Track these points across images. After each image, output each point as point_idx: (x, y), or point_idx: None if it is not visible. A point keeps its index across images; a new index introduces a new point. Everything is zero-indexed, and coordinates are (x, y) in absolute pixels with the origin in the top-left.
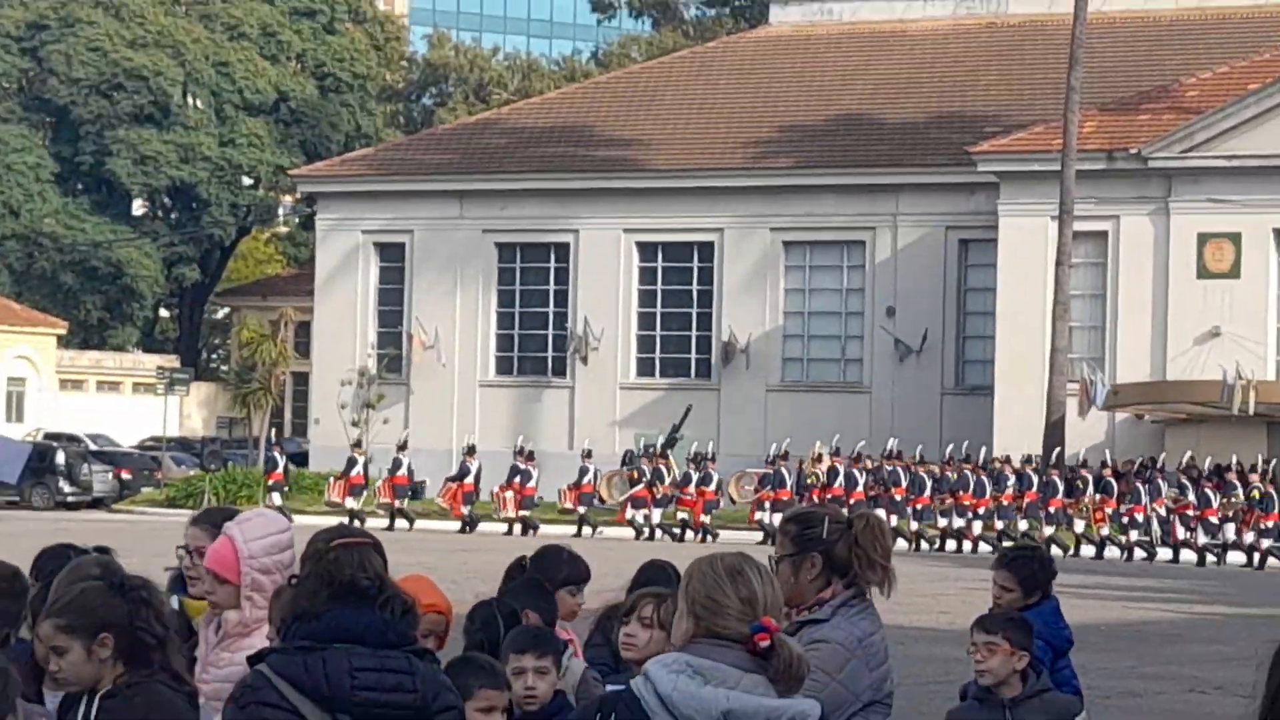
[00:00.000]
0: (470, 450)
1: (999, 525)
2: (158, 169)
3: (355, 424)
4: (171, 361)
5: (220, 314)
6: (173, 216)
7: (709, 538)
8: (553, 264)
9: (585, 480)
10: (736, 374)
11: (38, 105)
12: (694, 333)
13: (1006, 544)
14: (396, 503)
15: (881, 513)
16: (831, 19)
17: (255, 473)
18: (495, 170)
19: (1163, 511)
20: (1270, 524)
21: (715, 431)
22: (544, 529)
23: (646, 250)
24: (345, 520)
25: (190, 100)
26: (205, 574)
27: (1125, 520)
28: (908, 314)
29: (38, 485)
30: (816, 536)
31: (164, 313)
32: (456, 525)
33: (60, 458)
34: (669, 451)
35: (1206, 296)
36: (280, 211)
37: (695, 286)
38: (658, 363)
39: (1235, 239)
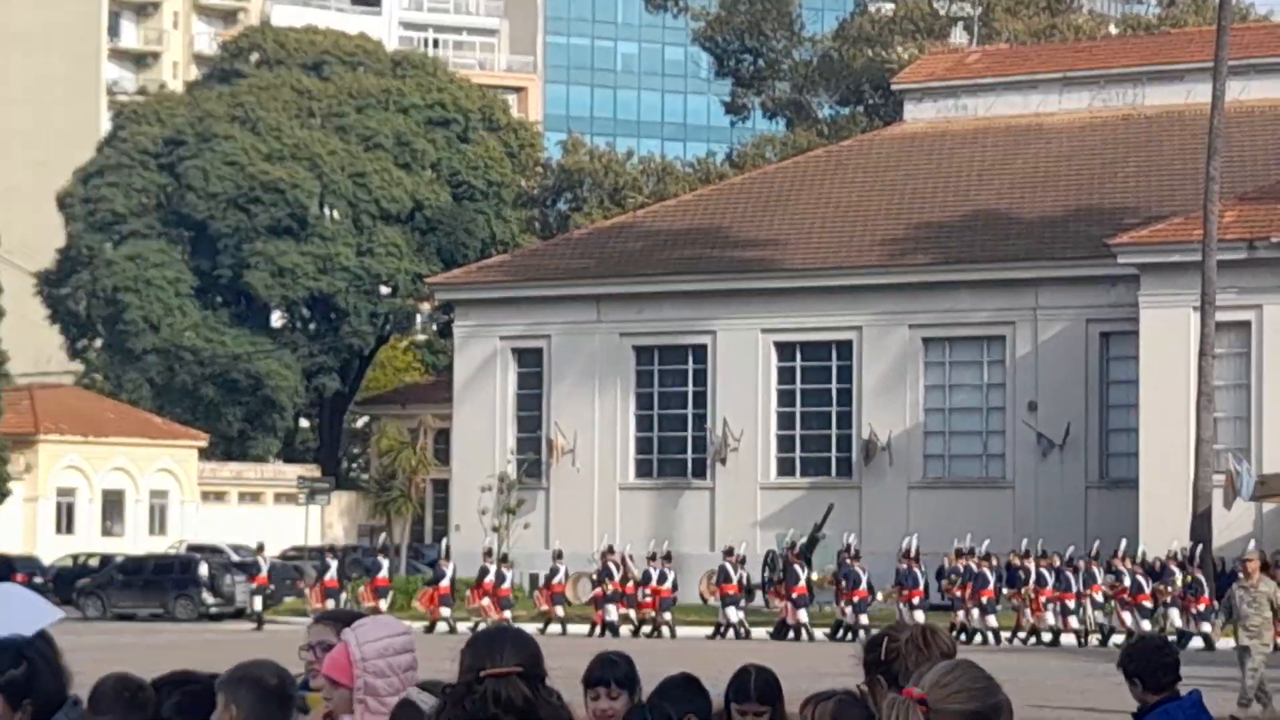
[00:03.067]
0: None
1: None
2: (296, 280)
3: (495, 529)
4: (312, 471)
5: (360, 423)
6: (311, 327)
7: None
8: (691, 366)
9: (556, 580)
10: (878, 472)
11: (176, 220)
12: (834, 431)
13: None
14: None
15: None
16: (966, 114)
17: (400, 580)
18: (632, 273)
19: None
20: None
21: (858, 529)
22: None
23: (785, 350)
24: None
25: (327, 211)
26: (324, 679)
27: None
28: (1050, 408)
29: (181, 597)
30: (876, 659)
31: (304, 423)
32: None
33: (203, 569)
34: (810, 552)
35: None
36: (418, 319)
37: (834, 385)
38: (798, 462)
39: None
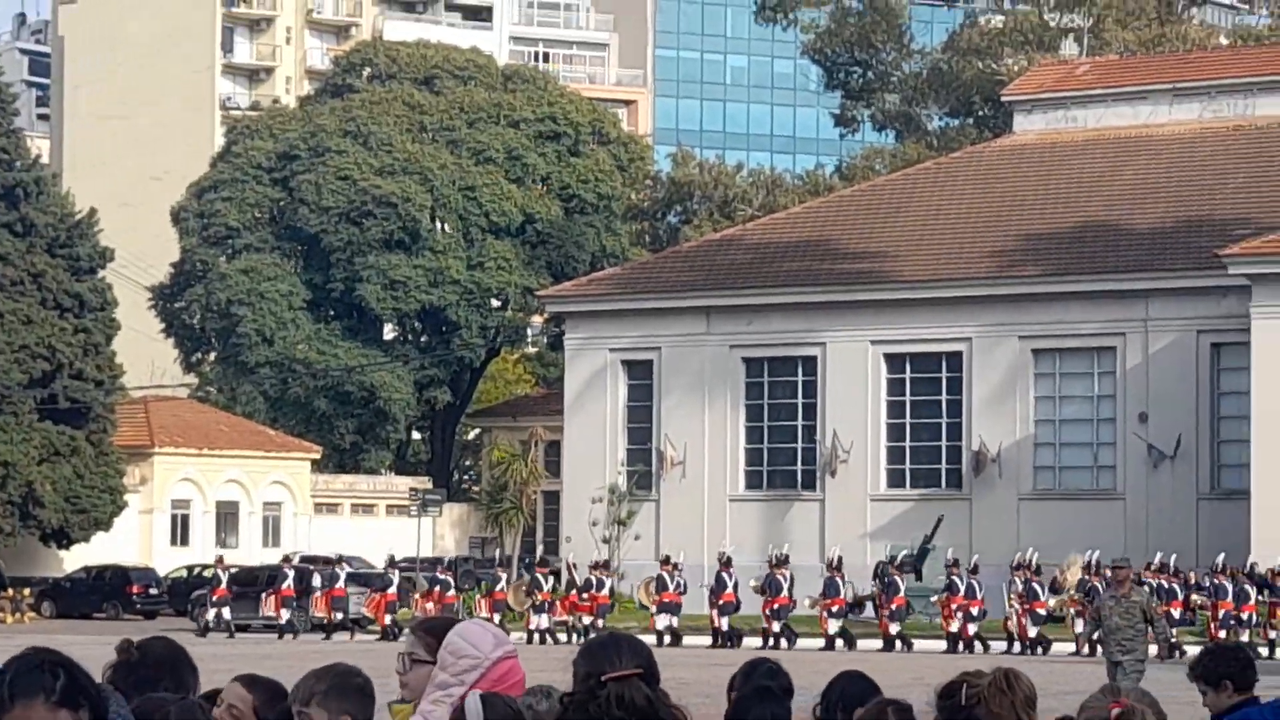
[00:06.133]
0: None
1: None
2: (407, 293)
3: (606, 541)
4: (424, 483)
5: (471, 435)
6: (423, 340)
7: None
8: (800, 377)
9: (498, 589)
10: (988, 483)
11: (289, 234)
12: (944, 443)
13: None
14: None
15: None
16: (1076, 126)
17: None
18: (741, 285)
19: None
20: None
21: (968, 541)
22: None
23: (894, 362)
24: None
25: (438, 225)
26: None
27: None
28: (1160, 420)
29: (295, 609)
30: (956, 705)
31: (416, 435)
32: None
33: (316, 580)
34: (921, 563)
35: None
36: (529, 332)
37: (944, 396)
38: (908, 474)
39: None
